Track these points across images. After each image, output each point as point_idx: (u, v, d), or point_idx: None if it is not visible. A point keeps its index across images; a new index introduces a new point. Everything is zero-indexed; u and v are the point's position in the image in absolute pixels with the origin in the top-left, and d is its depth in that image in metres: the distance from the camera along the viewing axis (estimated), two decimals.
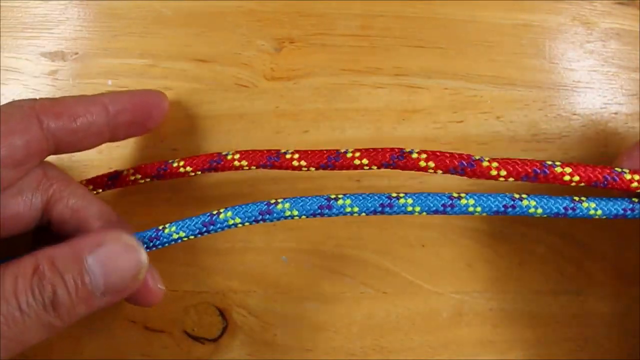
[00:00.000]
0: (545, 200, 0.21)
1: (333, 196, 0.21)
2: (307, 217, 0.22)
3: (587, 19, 0.29)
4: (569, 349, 0.27)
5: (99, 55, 0.29)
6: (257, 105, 0.28)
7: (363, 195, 0.21)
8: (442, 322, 0.27)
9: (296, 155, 0.23)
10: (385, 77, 0.28)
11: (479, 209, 0.21)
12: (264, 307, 0.27)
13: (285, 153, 0.23)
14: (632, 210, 0.21)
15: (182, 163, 0.23)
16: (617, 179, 0.21)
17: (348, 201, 0.21)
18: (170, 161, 0.23)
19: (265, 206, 0.21)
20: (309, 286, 0.27)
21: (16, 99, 0.28)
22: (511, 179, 0.21)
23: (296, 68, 0.28)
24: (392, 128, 0.28)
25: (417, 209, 0.21)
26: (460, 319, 0.27)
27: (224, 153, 0.23)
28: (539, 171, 0.20)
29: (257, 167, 0.23)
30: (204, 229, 0.21)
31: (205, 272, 0.27)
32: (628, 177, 0.21)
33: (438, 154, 0.21)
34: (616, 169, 0.21)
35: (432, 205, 0.21)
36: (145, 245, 0.21)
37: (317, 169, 0.22)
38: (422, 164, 0.21)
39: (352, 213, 0.21)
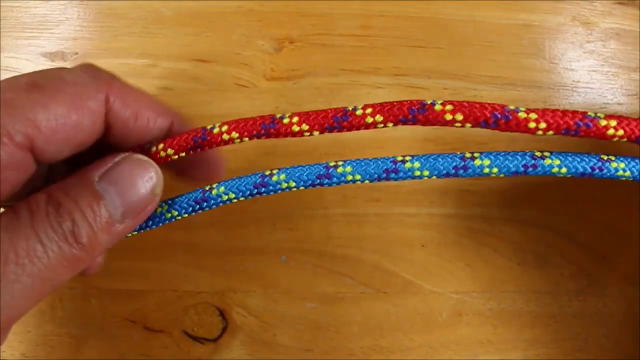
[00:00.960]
0: (570, 159, 0.19)
1: (332, 163, 0.19)
2: (305, 187, 0.19)
3: (587, 19, 0.29)
4: (569, 349, 0.27)
5: (99, 55, 0.29)
6: (257, 105, 0.28)
7: (365, 161, 0.19)
8: (442, 322, 0.27)
9: (295, 119, 0.20)
10: (385, 77, 0.28)
11: (495, 169, 0.19)
12: (264, 307, 0.27)
13: (282, 118, 0.19)
14: (601, 169, 0.19)
15: (225, 128, 0.19)
16: (591, 125, 0.18)
17: (349, 168, 0.19)
18: (209, 127, 0.19)
19: (260, 178, 0.19)
20: (309, 286, 0.27)
21: None
22: (550, 133, 0.18)
23: (296, 68, 0.28)
24: (392, 128, 0.28)
25: (426, 173, 0.19)
26: (460, 319, 0.27)
27: (209, 127, 0.20)
28: (499, 116, 0.18)
29: (251, 138, 0.20)
30: (197, 206, 0.20)
31: (205, 272, 0.27)
32: (603, 122, 0.18)
33: (465, 104, 0.18)
34: (589, 113, 0.18)
35: (442, 168, 0.19)
36: (191, 208, 0.20)
37: (321, 132, 0.20)
38: (448, 116, 0.18)
39: (354, 181, 0.19)
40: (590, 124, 0.18)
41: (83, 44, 0.29)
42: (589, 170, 0.19)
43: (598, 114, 0.18)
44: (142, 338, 0.27)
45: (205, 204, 0.20)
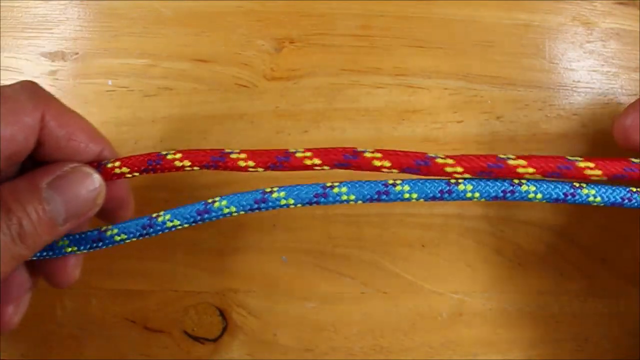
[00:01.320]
0: (545, 185, 0.20)
1: (329, 184, 0.21)
2: (302, 205, 0.21)
3: (587, 19, 0.29)
4: (569, 349, 0.27)
5: (99, 55, 0.29)
6: (257, 105, 0.28)
7: (359, 183, 0.21)
8: (442, 322, 0.27)
9: (243, 155, 0.21)
10: (385, 77, 0.28)
11: (477, 194, 0.20)
12: (264, 307, 0.27)
13: (230, 153, 0.21)
14: (630, 200, 0.21)
15: (178, 156, 0.21)
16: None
17: (344, 189, 0.20)
18: (164, 153, 0.21)
19: (261, 195, 0.21)
20: (309, 286, 0.27)
21: None
22: (467, 175, 0.20)
23: (296, 68, 0.28)
24: (392, 128, 0.28)
25: (414, 195, 0.20)
26: (460, 319, 0.27)
27: (163, 153, 0.21)
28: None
29: (201, 168, 0.21)
30: (198, 217, 0.21)
31: (205, 272, 0.27)
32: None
33: (391, 153, 0.20)
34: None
35: (429, 191, 0.20)
36: (139, 233, 0.21)
37: (265, 169, 0.21)
38: (377, 163, 0.20)
39: (348, 201, 0.20)
40: (502, 165, 0.20)
41: (83, 44, 0.29)
42: (562, 196, 0.20)
43: (509, 155, 0.20)
44: (142, 338, 0.27)
45: (206, 215, 0.21)
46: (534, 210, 0.27)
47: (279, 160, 0.21)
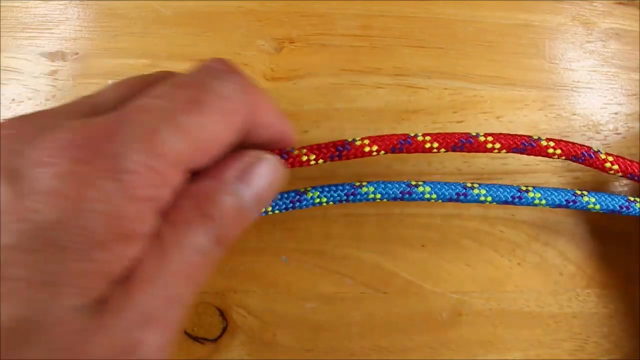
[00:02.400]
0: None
1: (414, 182, 0.22)
2: (388, 200, 0.22)
3: (587, 19, 0.29)
4: (568, 349, 0.27)
5: (99, 55, 0.29)
6: None
7: (441, 184, 0.22)
8: (442, 322, 0.27)
9: (427, 138, 0.22)
10: (385, 77, 0.28)
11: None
12: (264, 307, 0.27)
13: (415, 136, 0.22)
14: (628, 208, 0.23)
15: (366, 142, 0.22)
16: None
17: (427, 188, 0.22)
18: (351, 140, 0.22)
19: (351, 188, 0.22)
20: (309, 286, 0.27)
21: (16, 99, 0.28)
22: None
23: (296, 68, 0.28)
24: (392, 128, 0.28)
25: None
26: (460, 319, 0.27)
27: (412, 134, 0.22)
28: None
29: (387, 152, 0.23)
30: (291, 205, 0.22)
31: None
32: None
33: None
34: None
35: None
36: (285, 206, 0.22)
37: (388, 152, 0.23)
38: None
39: (430, 199, 0.22)
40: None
41: (83, 44, 0.29)
42: (564, 202, 0.23)
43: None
44: None
45: (298, 204, 0.22)
46: (534, 210, 0.27)
47: (401, 144, 0.22)
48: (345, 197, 0.22)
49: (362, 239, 0.27)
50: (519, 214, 0.27)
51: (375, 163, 0.27)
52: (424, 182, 0.22)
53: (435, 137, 0.22)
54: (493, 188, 0.22)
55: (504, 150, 0.22)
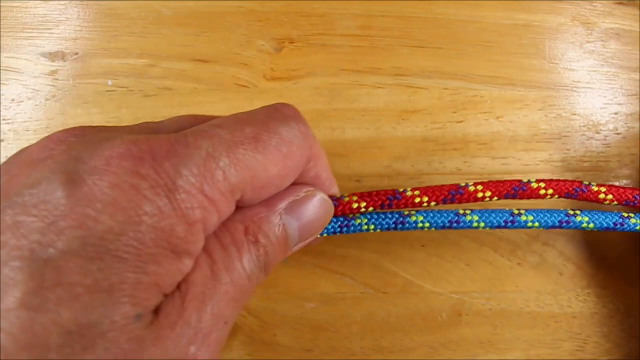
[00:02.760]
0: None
1: (406, 212, 0.22)
2: (382, 230, 0.22)
3: (587, 19, 0.29)
4: (568, 348, 0.27)
5: (99, 55, 0.29)
6: (257, 105, 0.28)
7: (434, 212, 0.22)
8: (442, 322, 0.27)
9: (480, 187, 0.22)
10: (385, 77, 0.28)
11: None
12: (264, 307, 0.27)
13: (467, 185, 0.22)
14: (622, 224, 0.23)
15: (417, 192, 0.22)
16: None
17: (420, 217, 0.22)
18: (402, 190, 0.22)
19: (400, 217, 0.22)
20: (309, 286, 0.27)
21: (16, 99, 0.28)
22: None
23: (296, 68, 0.28)
24: (392, 128, 0.28)
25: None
26: (460, 319, 0.27)
27: (462, 184, 0.22)
28: (454, 192, 0.22)
29: (438, 203, 0.22)
30: (339, 230, 0.22)
31: None
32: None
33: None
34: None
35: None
36: (333, 230, 0.22)
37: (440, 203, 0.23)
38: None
39: (423, 228, 0.22)
40: (585, 190, 0.22)
41: (83, 44, 0.29)
42: (557, 223, 0.23)
43: (531, 179, 0.22)
44: None
45: (400, 226, 0.22)
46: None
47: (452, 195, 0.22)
48: (448, 225, 0.22)
49: (362, 239, 0.27)
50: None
51: (376, 163, 0.27)
52: (416, 211, 0.22)
53: (425, 190, 0.22)
54: (485, 213, 0.22)
55: (495, 198, 0.22)
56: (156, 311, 0.14)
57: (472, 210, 0.22)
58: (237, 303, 0.16)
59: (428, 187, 0.22)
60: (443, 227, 0.22)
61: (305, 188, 0.19)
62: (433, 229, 0.22)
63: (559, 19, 0.29)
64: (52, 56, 0.29)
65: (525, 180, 0.22)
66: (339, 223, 0.22)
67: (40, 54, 0.29)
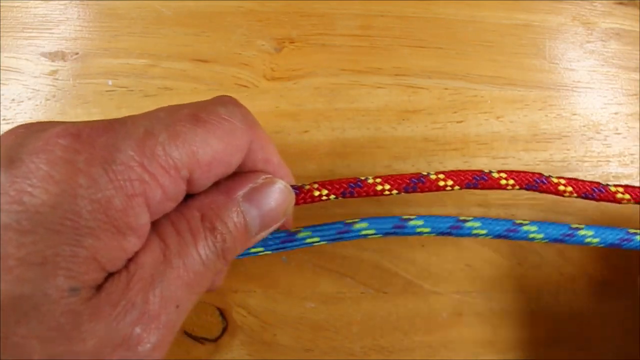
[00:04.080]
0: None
1: (405, 217, 0.22)
2: (382, 235, 0.22)
3: (587, 19, 0.29)
4: (569, 349, 0.27)
5: (99, 55, 0.29)
6: (257, 105, 0.28)
7: (434, 217, 0.22)
8: (442, 322, 0.27)
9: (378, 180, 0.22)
10: (385, 77, 0.28)
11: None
12: (264, 307, 0.27)
13: (428, 174, 0.22)
14: (629, 240, 0.22)
15: (379, 180, 0.22)
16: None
17: (421, 222, 0.22)
18: (364, 178, 0.22)
19: (343, 226, 0.21)
20: (309, 286, 0.27)
21: (16, 98, 0.28)
22: (457, 187, 0.22)
23: (296, 68, 0.28)
24: (392, 128, 0.28)
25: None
26: (460, 319, 0.27)
27: (425, 173, 0.22)
28: (416, 180, 0.22)
29: (400, 192, 0.22)
30: (338, 237, 0.22)
31: None
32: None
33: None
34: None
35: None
36: (275, 246, 0.22)
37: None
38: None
39: (422, 233, 0.22)
40: (603, 190, 0.22)
41: (83, 44, 0.29)
42: (560, 237, 0.22)
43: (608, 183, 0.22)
44: None
45: (346, 235, 0.21)
46: (534, 210, 0.27)
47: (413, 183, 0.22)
48: (338, 236, 0.22)
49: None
50: (519, 214, 0.27)
51: (376, 163, 0.27)
52: (416, 215, 0.22)
53: (387, 179, 0.22)
54: (431, 219, 0.22)
55: (457, 187, 0.22)
56: (99, 288, 0.14)
57: (474, 218, 0.22)
58: (191, 288, 0.16)
59: (390, 175, 0.22)
60: (443, 234, 0.22)
61: (263, 175, 0.19)
62: (434, 234, 0.22)
63: (559, 19, 0.29)
64: (52, 56, 0.29)
65: (487, 170, 0.22)
66: (282, 238, 0.21)
67: (40, 54, 0.29)
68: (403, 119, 0.28)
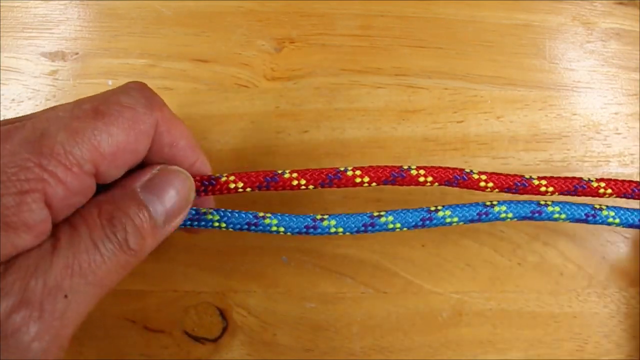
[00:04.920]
0: (568, 207, 0.22)
1: (376, 214, 0.22)
2: (352, 233, 0.22)
3: (587, 19, 0.29)
4: (569, 349, 0.27)
5: (99, 55, 0.29)
6: (257, 105, 0.28)
7: (405, 211, 0.22)
8: (442, 322, 0.27)
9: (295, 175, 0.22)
10: (385, 77, 0.28)
11: (455, 219, 0.22)
12: (264, 307, 0.27)
13: (345, 170, 0.22)
14: (594, 216, 0.23)
15: (295, 175, 0.22)
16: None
17: (390, 217, 0.22)
18: (280, 171, 0.21)
19: (312, 221, 0.22)
20: (309, 286, 0.27)
21: (16, 99, 0.28)
22: (496, 190, 0.22)
23: (296, 68, 0.28)
24: (392, 128, 0.28)
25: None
26: (460, 319, 0.27)
27: (341, 169, 0.22)
28: (332, 176, 0.22)
29: (315, 187, 0.22)
30: (246, 227, 0.22)
31: (205, 272, 0.27)
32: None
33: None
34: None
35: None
36: (240, 227, 0.22)
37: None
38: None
39: (394, 229, 0.22)
40: (585, 186, 0.22)
41: (83, 44, 0.29)
42: (584, 217, 0.23)
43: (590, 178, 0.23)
44: (142, 338, 0.27)
45: (253, 227, 0.22)
46: None
47: (330, 178, 0.22)
48: (305, 230, 0.22)
49: (362, 239, 0.27)
50: None
51: (376, 163, 0.27)
52: (386, 212, 0.22)
53: (303, 173, 0.22)
54: (401, 213, 0.22)
55: (374, 184, 0.22)
56: None
57: (499, 202, 0.22)
58: (85, 278, 0.16)
59: (306, 170, 0.22)
60: (416, 227, 0.22)
61: (158, 166, 0.19)
62: (405, 228, 0.22)
63: (559, 19, 0.29)
64: (53, 56, 0.29)
65: (405, 167, 0.22)
66: (248, 220, 0.21)
67: (40, 54, 0.29)
68: (403, 119, 0.28)
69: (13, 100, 0.28)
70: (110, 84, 0.28)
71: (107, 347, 0.27)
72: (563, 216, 0.22)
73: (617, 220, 0.23)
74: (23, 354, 0.15)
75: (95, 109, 0.17)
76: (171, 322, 0.27)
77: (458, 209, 0.22)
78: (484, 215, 0.22)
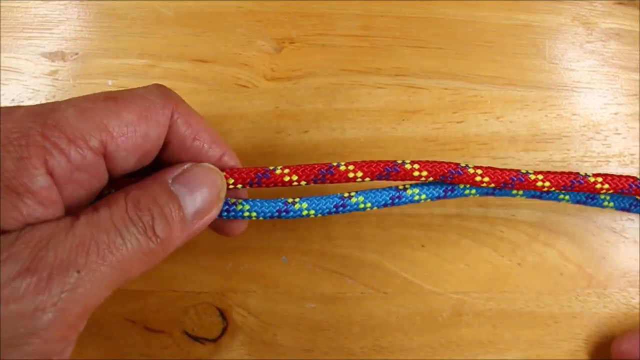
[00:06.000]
0: (372, 194, 0.22)
1: (346, 194, 0.22)
2: (322, 215, 0.22)
3: (587, 19, 0.29)
4: (569, 349, 0.27)
5: (99, 55, 0.29)
6: (257, 105, 0.28)
7: (318, 198, 0.22)
8: (442, 322, 0.27)
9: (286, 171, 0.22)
10: (385, 77, 0.28)
11: (423, 196, 0.23)
12: (264, 307, 0.27)
13: (338, 165, 0.22)
14: (637, 205, 0.24)
15: (286, 171, 0.21)
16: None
17: (305, 204, 0.22)
18: (271, 168, 0.21)
19: (284, 205, 0.22)
20: (309, 286, 0.27)
21: (16, 99, 0.28)
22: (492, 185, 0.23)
23: (296, 68, 0.28)
24: (392, 128, 0.28)
25: (368, 205, 0.22)
26: (460, 319, 0.27)
27: (334, 164, 0.22)
28: (515, 178, 0.22)
29: (308, 182, 0.22)
30: (277, 215, 0.22)
31: (205, 272, 0.27)
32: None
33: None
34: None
35: (380, 199, 0.22)
36: (270, 214, 0.22)
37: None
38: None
39: (308, 215, 0.22)
40: (582, 181, 0.23)
41: (83, 44, 0.29)
42: (584, 199, 0.24)
43: (587, 173, 0.23)
44: (142, 338, 0.27)
45: (284, 214, 0.22)
46: (534, 210, 0.27)
47: (322, 174, 0.22)
48: (277, 214, 0.22)
49: (362, 239, 0.27)
50: (519, 214, 0.27)
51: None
52: (300, 198, 0.22)
53: (295, 169, 0.22)
54: (370, 193, 0.22)
55: (368, 179, 0.22)
56: None
57: (357, 192, 0.22)
58: (102, 259, 0.16)
59: (298, 165, 0.22)
60: (329, 213, 0.22)
61: (190, 163, 0.20)
62: (320, 215, 0.22)
63: (559, 19, 0.29)
64: (52, 56, 0.29)
65: (399, 161, 0.22)
66: (278, 207, 0.22)
67: (40, 54, 0.29)
68: (403, 119, 0.28)
69: (13, 100, 0.28)
70: (110, 84, 0.28)
71: (107, 347, 0.27)
72: (369, 205, 0.22)
73: (612, 204, 0.24)
74: (25, 322, 0.14)
75: (108, 94, 0.17)
76: (171, 322, 0.27)
77: (371, 193, 0.22)
78: (397, 199, 0.22)
